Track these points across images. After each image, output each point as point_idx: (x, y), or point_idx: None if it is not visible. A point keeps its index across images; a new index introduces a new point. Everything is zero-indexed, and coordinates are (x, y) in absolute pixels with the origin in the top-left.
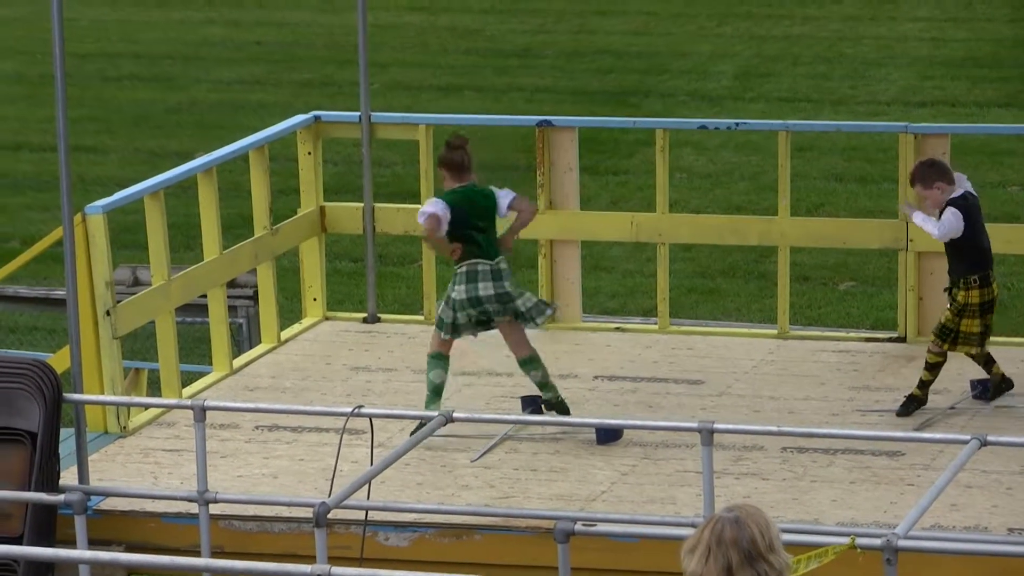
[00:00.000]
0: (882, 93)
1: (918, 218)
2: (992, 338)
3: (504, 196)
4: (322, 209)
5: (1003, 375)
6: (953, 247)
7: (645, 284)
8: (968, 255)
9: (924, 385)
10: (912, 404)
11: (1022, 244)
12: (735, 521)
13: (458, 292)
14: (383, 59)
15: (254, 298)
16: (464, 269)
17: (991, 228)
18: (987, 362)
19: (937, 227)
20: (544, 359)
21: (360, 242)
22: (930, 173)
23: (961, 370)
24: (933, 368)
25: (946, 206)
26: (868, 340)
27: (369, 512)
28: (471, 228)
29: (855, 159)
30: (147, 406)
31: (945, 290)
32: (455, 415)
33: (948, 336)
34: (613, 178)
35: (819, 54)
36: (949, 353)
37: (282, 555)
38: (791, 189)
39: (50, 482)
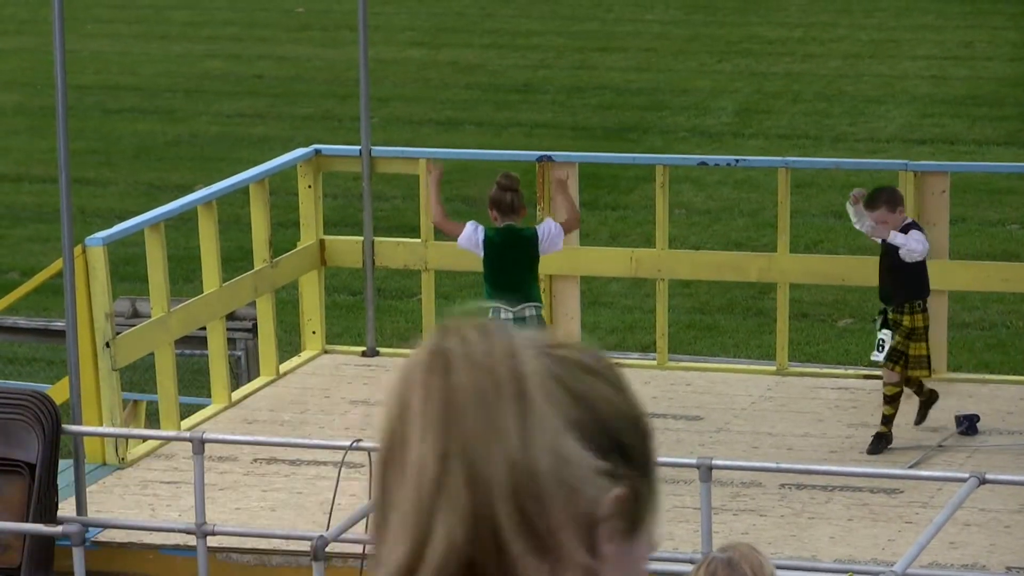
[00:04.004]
0: (882, 130)
1: (899, 238)
2: (991, 376)
3: (546, 230)
4: (322, 242)
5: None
6: (907, 271)
7: (644, 320)
8: (917, 279)
9: (888, 420)
10: (881, 442)
11: (1021, 283)
12: (728, 562)
13: None
14: (383, 93)
15: (253, 331)
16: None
17: (991, 266)
18: (920, 389)
19: (921, 243)
20: None
21: (359, 275)
22: (896, 197)
23: (945, 406)
24: (893, 400)
25: (910, 228)
26: (867, 377)
27: (367, 546)
28: (493, 270)
29: None
30: (146, 438)
31: (875, 319)
32: None
33: (900, 359)
34: (612, 213)
35: (819, 91)
36: (903, 379)
37: None
38: (790, 226)
39: (48, 513)
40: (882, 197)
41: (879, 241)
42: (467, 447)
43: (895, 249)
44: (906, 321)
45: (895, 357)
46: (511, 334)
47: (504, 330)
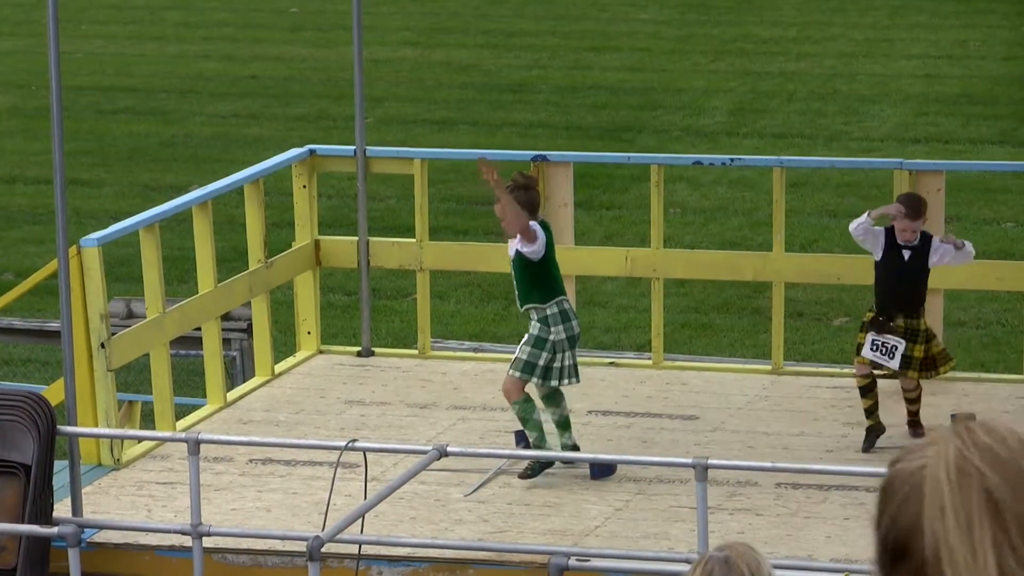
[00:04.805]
0: (876, 129)
1: (969, 246)
2: (987, 375)
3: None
4: (317, 243)
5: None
6: (927, 277)
7: (639, 319)
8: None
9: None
10: (919, 429)
11: (1016, 281)
12: (725, 561)
13: (556, 332)
14: (377, 93)
15: (248, 331)
16: (556, 310)
17: (986, 265)
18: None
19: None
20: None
21: (354, 276)
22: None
23: (941, 404)
24: (917, 400)
25: (928, 236)
26: None
27: (363, 546)
28: (553, 263)
29: (849, 195)
30: (141, 439)
31: (886, 320)
32: (449, 449)
33: (912, 363)
34: (607, 213)
35: (813, 90)
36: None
37: None
38: (785, 225)
39: (44, 514)
40: (924, 206)
41: (897, 250)
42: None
43: (922, 258)
44: (922, 326)
45: (911, 363)
46: (1010, 427)
47: (1004, 425)
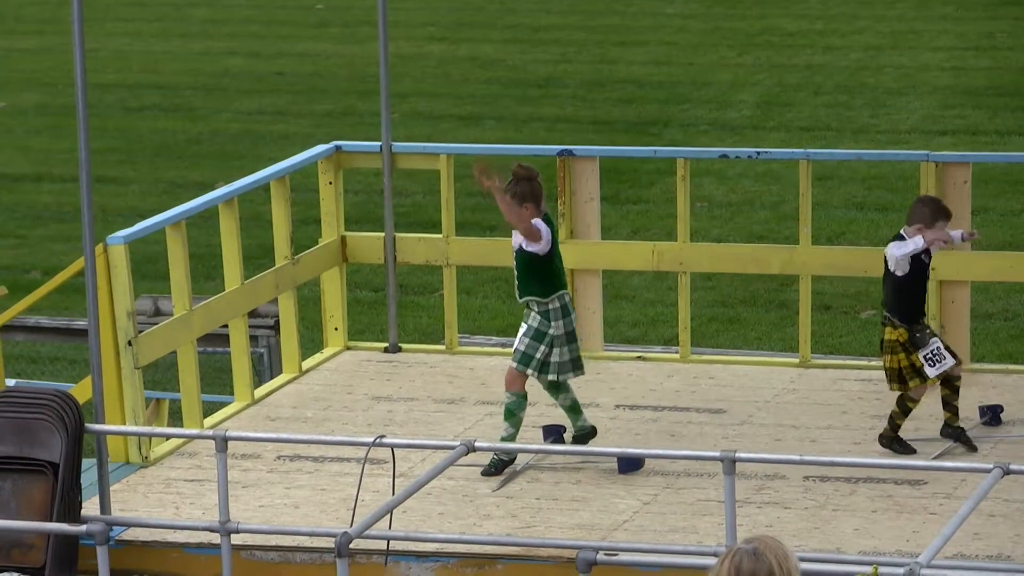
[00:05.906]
0: (903, 122)
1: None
2: (1015, 367)
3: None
4: (343, 239)
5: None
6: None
7: (666, 313)
8: None
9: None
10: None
11: None
12: (753, 553)
13: (556, 327)
14: (404, 89)
15: (275, 328)
16: (557, 304)
17: (1013, 256)
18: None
19: None
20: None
21: (381, 272)
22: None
23: (968, 396)
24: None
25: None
26: None
27: (391, 542)
28: (557, 256)
29: (876, 188)
30: (169, 436)
31: (919, 329)
32: (477, 444)
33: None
34: (633, 207)
35: (840, 83)
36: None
37: None
38: (812, 218)
39: (72, 513)
40: (948, 210)
41: (919, 257)
42: None
43: (929, 256)
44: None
45: (951, 351)
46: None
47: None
